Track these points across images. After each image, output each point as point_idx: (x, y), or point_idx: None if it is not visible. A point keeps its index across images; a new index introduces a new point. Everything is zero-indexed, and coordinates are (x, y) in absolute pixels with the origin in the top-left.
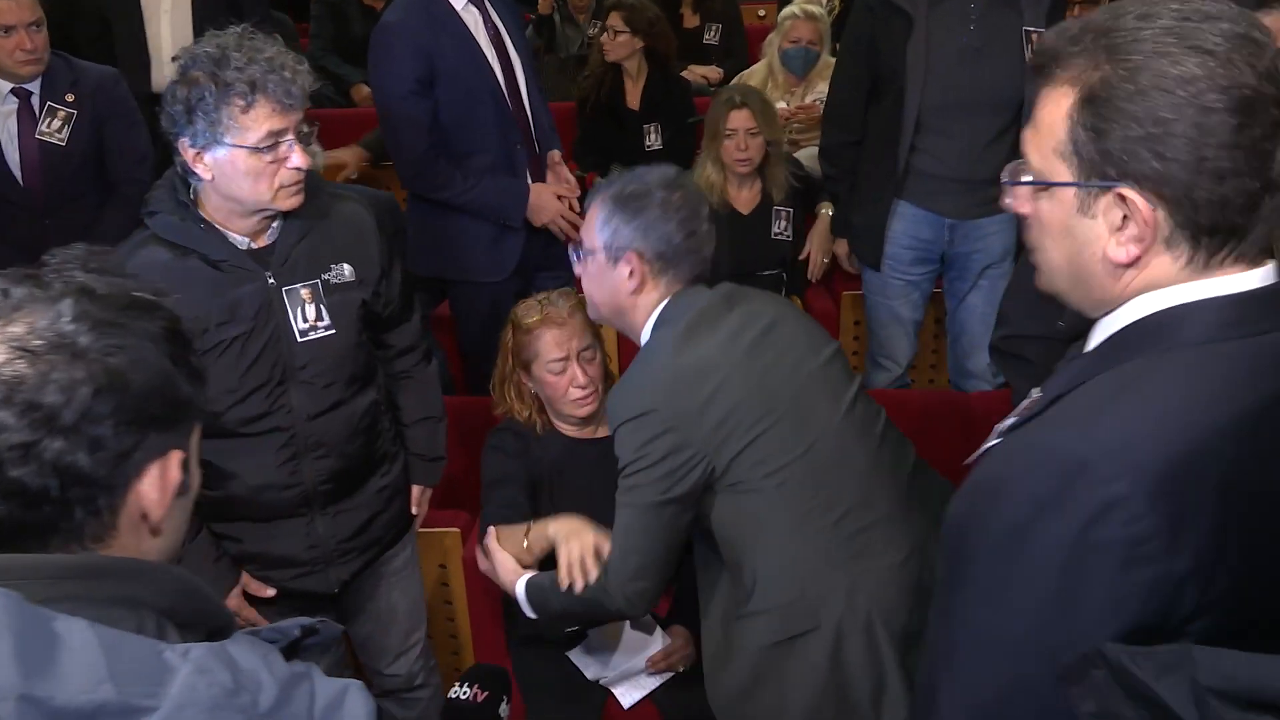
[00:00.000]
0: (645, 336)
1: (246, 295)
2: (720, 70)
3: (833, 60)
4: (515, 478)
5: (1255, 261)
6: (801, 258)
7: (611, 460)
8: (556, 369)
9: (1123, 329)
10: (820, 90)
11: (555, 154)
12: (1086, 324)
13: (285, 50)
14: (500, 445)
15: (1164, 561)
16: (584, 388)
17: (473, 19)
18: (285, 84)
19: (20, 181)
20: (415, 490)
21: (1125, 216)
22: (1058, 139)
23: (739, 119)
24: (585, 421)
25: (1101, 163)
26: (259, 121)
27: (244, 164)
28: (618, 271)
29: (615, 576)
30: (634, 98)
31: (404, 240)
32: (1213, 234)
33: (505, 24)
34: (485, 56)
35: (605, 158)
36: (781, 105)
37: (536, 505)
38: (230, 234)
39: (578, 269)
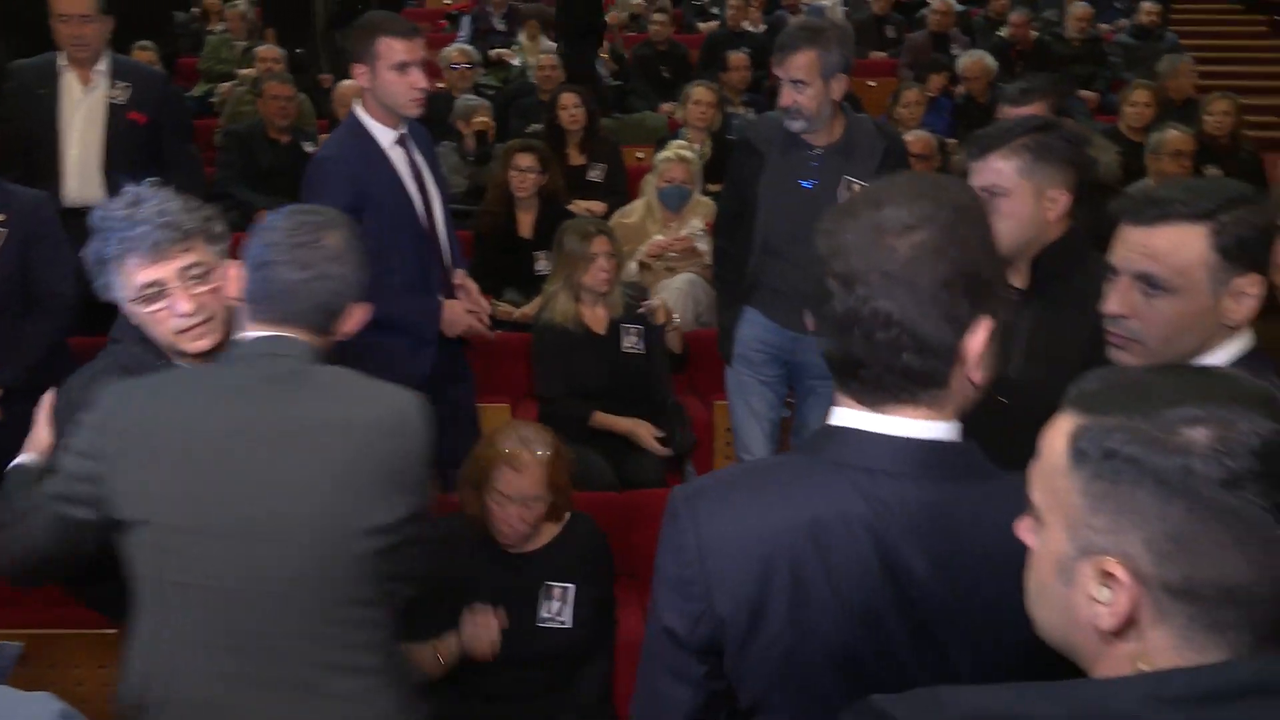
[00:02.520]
0: None
1: None
2: (604, 205)
3: (704, 198)
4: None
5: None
6: (643, 307)
7: (533, 573)
8: (497, 499)
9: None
10: (693, 224)
11: (461, 273)
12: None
13: (169, 199)
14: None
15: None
16: (513, 526)
17: (398, 156)
18: (147, 237)
19: None
20: None
21: None
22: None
23: (601, 244)
24: (522, 541)
25: None
26: (132, 275)
27: (136, 313)
28: None
29: None
30: (526, 227)
31: None
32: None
33: (425, 161)
34: (408, 190)
35: (500, 281)
36: (659, 238)
37: (455, 613)
38: (183, 365)
39: None
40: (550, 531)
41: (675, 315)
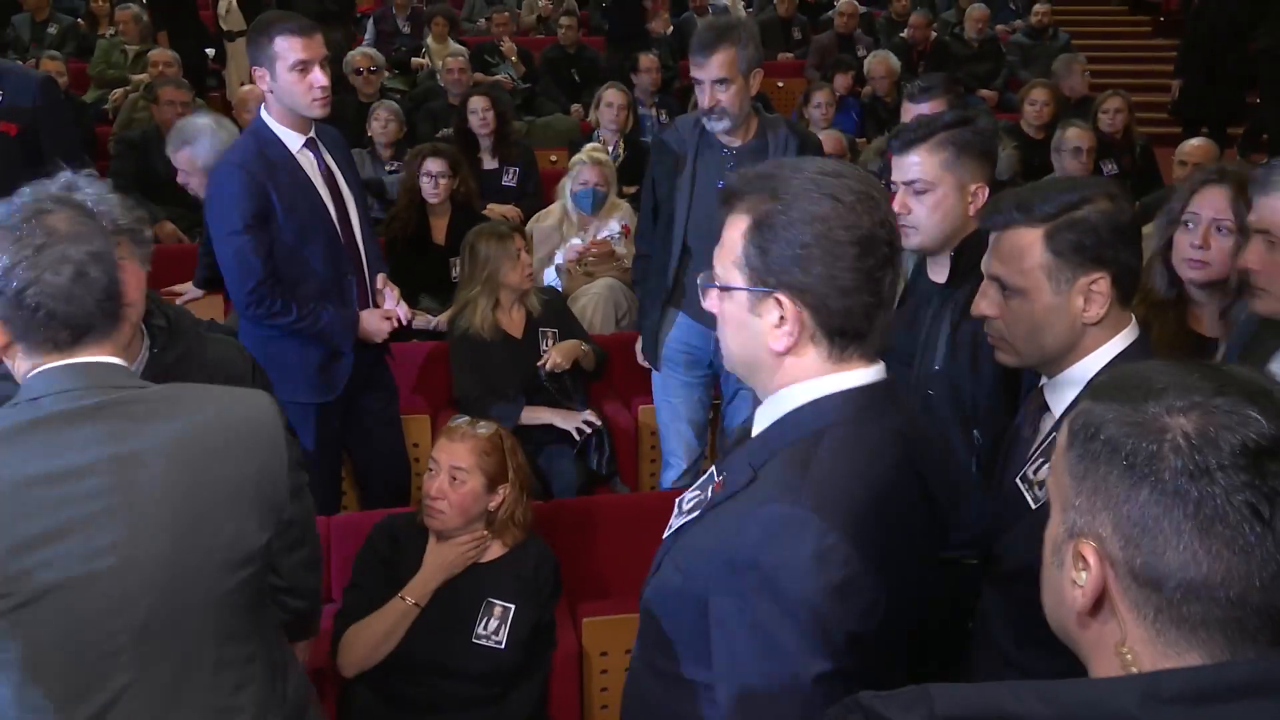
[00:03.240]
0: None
1: None
2: (518, 209)
3: (620, 200)
4: (375, 581)
5: (872, 360)
6: (541, 364)
7: (476, 586)
8: (430, 468)
9: (786, 414)
10: (610, 226)
11: (382, 277)
12: None
13: (103, 190)
14: (372, 544)
15: (865, 591)
16: (433, 497)
17: (307, 160)
18: None
19: None
20: None
21: (781, 316)
22: (735, 254)
23: (520, 242)
24: (454, 535)
25: (764, 273)
26: None
27: None
28: None
29: None
30: (439, 233)
31: None
32: (842, 334)
33: (338, 164)
34: (319, 194)
35: (413, 288)
36: (575, 241)
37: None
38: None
39: None
40: (500, 548)
41: (580, 350)
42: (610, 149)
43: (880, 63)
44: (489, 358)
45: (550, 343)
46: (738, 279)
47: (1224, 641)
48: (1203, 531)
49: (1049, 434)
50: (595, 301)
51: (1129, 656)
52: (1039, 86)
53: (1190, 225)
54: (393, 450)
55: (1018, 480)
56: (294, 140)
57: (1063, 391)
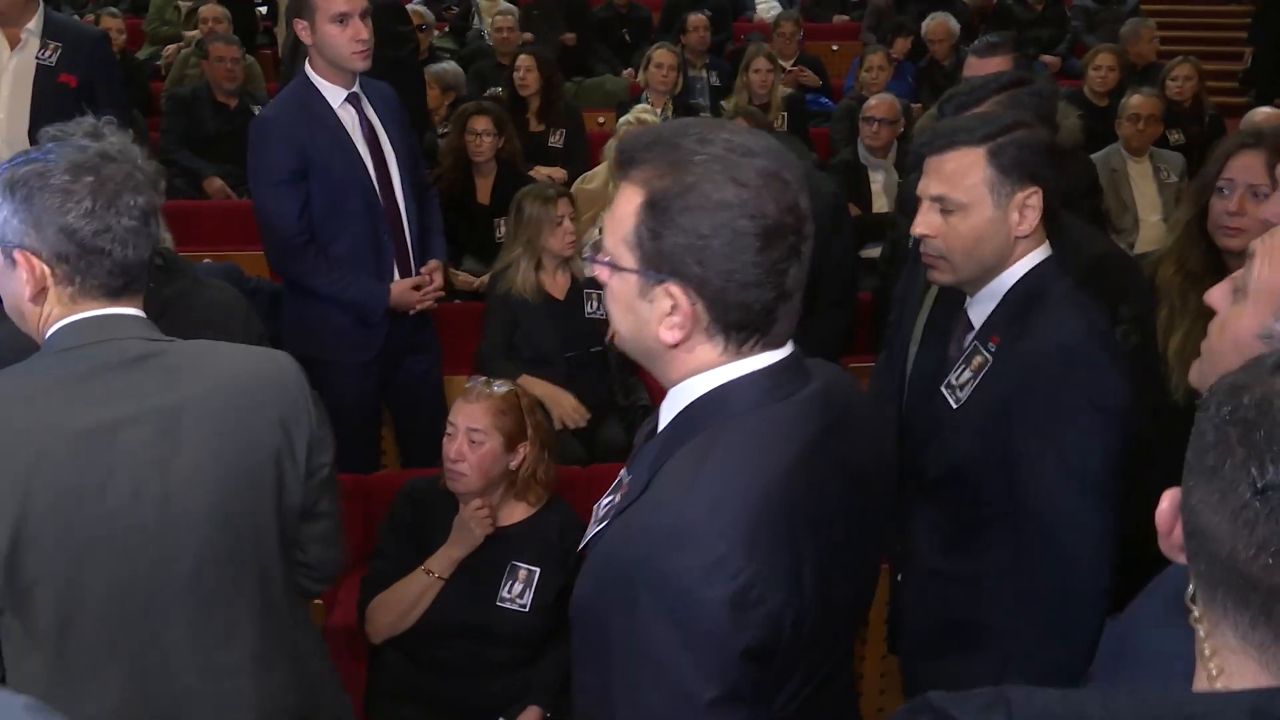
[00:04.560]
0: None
1: None
2: (564, 171)
3: None
4: (399, 548)
5: (778, 346)
6: (609, 336)
7: (500, 550)
8: (448, 431)
9: (686, 407)
10: None
11: (434, 263)
12: None
13: (126, 139)
14: (397, 508)
15: (765, 600)
16: (453, 460)
17: (349, 116)
18: None
19: None
20: None
21: (673, 306)
22: (625, 230)
23: (565, 207)
24: (477, 497)
25: (656, 259)
26: None
27: None
28: (16, 274)
29: None
30: (484, 193)
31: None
32: (740, 329)
33: (384, 122)
34: (358, 152)
35: (457, 249)
36: None
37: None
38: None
39: None
40: (524, 510)
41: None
42: (658, 111)
43: (939, 25)
44: (528, 318)
45: (596, 304)
46: (628, 259)
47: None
48: (1221, 496)
49: (969, 345)
50: None
51: (1214, 670)
52: (1104, 52)
53: (1225, 191)
54: (434, 412)
55: (942, 388)
56: (335, 95)
57: (983, 305)
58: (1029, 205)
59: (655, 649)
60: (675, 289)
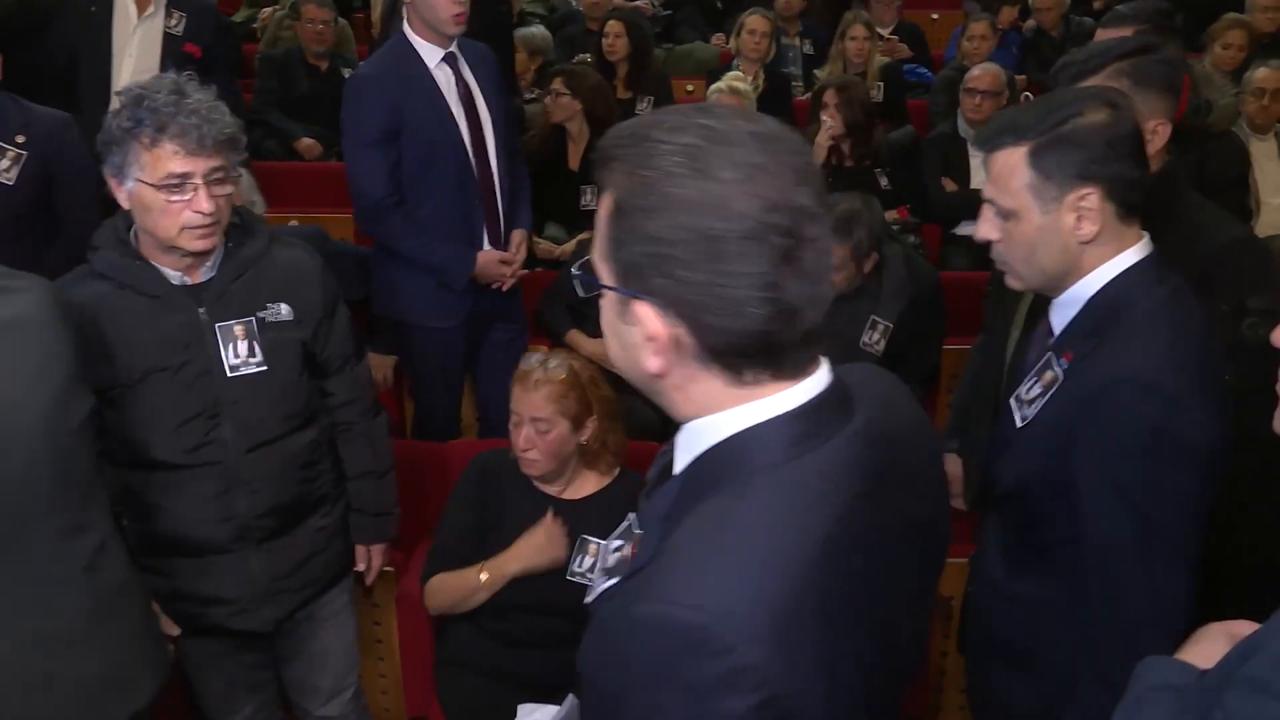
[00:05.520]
0: None
1: (178, 328)
2: None
3: None
4: (469, 519)
5: (796, 376)
6: None
7: (570, 523)
8: (513, 421)
9: (702, 455)
10: None
11: (518, 234)
12: None
13: (210, 98)
14: (465, 482)
15: (788, 699)
16: (523, 448)
17: (445, 78)
18: (195, 128)
19: None
20: (359, 549)
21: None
22: (600, 242)
23: None
24: (553, 477)
25: (624, 273)
26: (162, 161)
27: (148, 199)
28: None
29: None
30: (575, 159)
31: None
32: (737, 357)
33: (482, 86)
34: (451, 114)
35: (541, 215)
36: None
37: (489, 547)
38: (164, 269)
39: None
40: (595, 482)
41: None
42: (749, 79)
43: None
44: None
45: None
46: (605, 274)
47: None
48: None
49: (1046, 355)
50: None
51: None
52: (1236, 27)
53: None
54: None
55: (1010, 400)
56: (432, 54)
57: (1065, 311)
58: (1085, 208)
59: None
60: (644, 308)
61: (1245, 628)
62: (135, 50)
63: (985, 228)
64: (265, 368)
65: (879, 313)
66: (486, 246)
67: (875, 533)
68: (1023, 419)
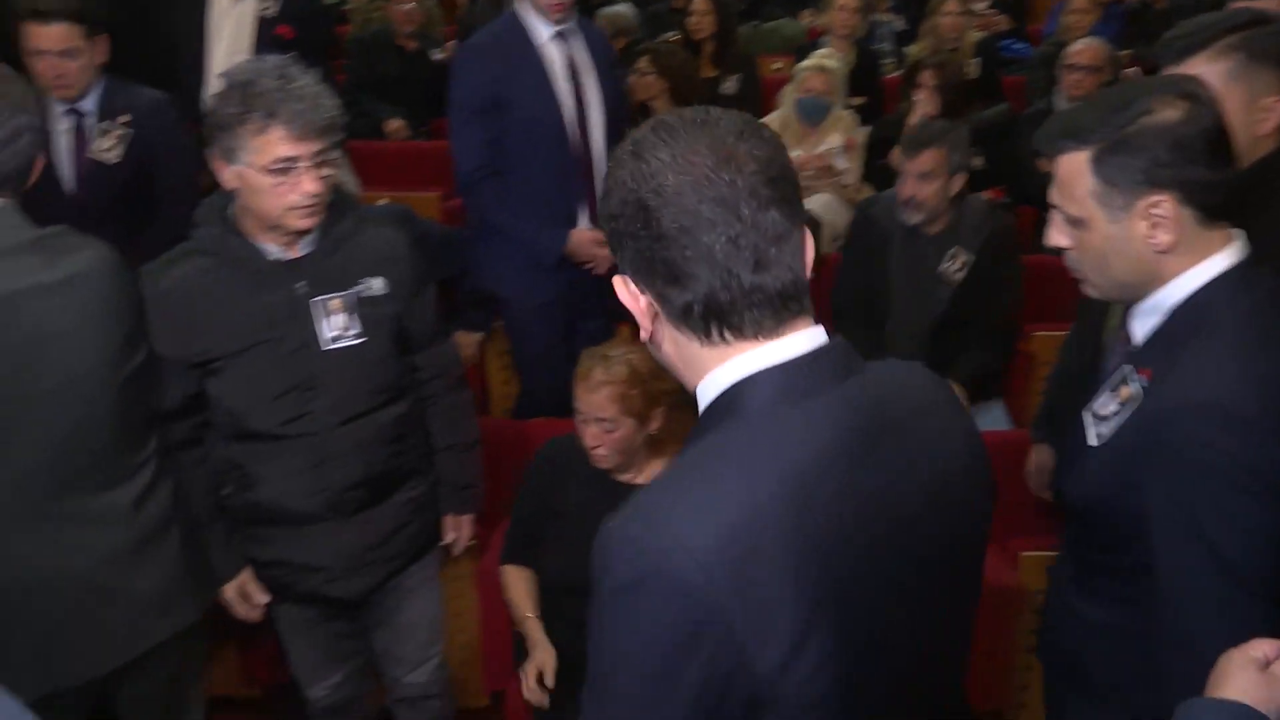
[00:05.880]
0: None
1: (277, 302)
2: None
3: (845, 113)
4: (533, 506)
5: (772, 335)
6: None
7: (624, 500)
8: (579, 418)
9: (705, 409)
10: (831, 141)
11: None
12: None
13: (315, 82)
14: (535, 469)
15: (740, 630)
16: (592, 446)
17: (553, 53)
18: (303, 114)
19: (69, 195)
20: (447, 519)
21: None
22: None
23: None
24: (624, 468)
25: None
26: (271, 145)
27: (256, 182)
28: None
29: None
30: None
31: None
32: (703, 317)
33: (596, 63)
34: (554, 91)
35: None
36: (795, 154)
37: (550, 530)
38: (264, 245)
39: None
40: (656, 470)
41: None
42: (839, 56)
43: None
44: None
45: None
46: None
47: None
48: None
49: (1123, 367)
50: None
51: None
52: None
53: None
54: None
55: (1084, 413)
56: (542, 30)
57: (1147, 318)
58: (1159, 215)
59: (615, 669)
60: (622, 281)
61: (1267, 647)
62: (229, 34)
63: (1055, 234)
64: (363, 340)
65: (961, 242)
66: (585, 225)
67: (871, 490)
68: (1098, 437)
